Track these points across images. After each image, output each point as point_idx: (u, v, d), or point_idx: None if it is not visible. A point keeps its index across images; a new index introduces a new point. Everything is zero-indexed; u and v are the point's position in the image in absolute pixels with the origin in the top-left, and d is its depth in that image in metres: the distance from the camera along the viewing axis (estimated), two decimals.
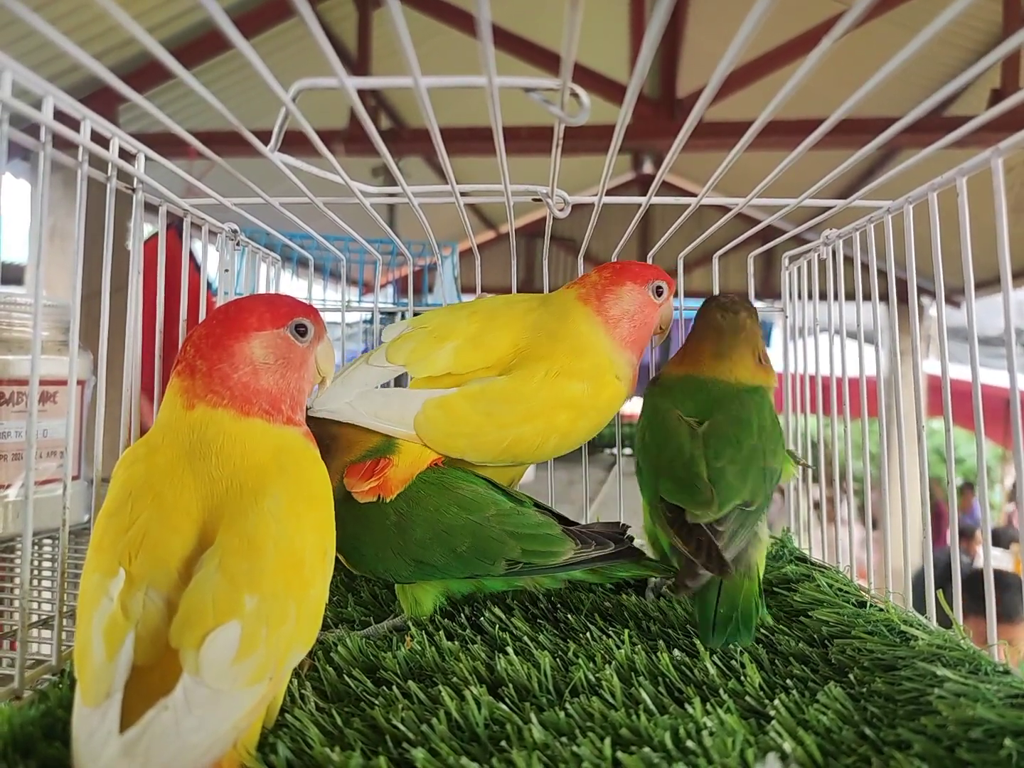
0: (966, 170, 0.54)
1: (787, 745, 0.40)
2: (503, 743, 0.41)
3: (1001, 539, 3.96)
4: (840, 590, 0.65)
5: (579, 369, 0.67)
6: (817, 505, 0.87)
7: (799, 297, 0.87)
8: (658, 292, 0.72)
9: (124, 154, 0.57)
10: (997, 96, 2.41)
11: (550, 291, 0.94)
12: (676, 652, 0.52)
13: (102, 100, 2.45)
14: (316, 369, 0.53)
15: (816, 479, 0.84)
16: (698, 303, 0.98)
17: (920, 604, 0.61)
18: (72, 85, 2.50)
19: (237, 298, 0.51)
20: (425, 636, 0.56)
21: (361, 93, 0.45)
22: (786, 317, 0.91)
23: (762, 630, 0.58)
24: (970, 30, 2.90)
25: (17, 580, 0.73)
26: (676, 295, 0.83)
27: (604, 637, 0.56)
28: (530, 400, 0.65)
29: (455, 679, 0.49)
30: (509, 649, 0.52)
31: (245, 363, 0.47)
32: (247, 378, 0.47)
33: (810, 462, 0.85)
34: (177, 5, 2.48)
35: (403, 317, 0.97)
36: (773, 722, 0.42)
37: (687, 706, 0.44)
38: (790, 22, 2.59)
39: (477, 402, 0.64)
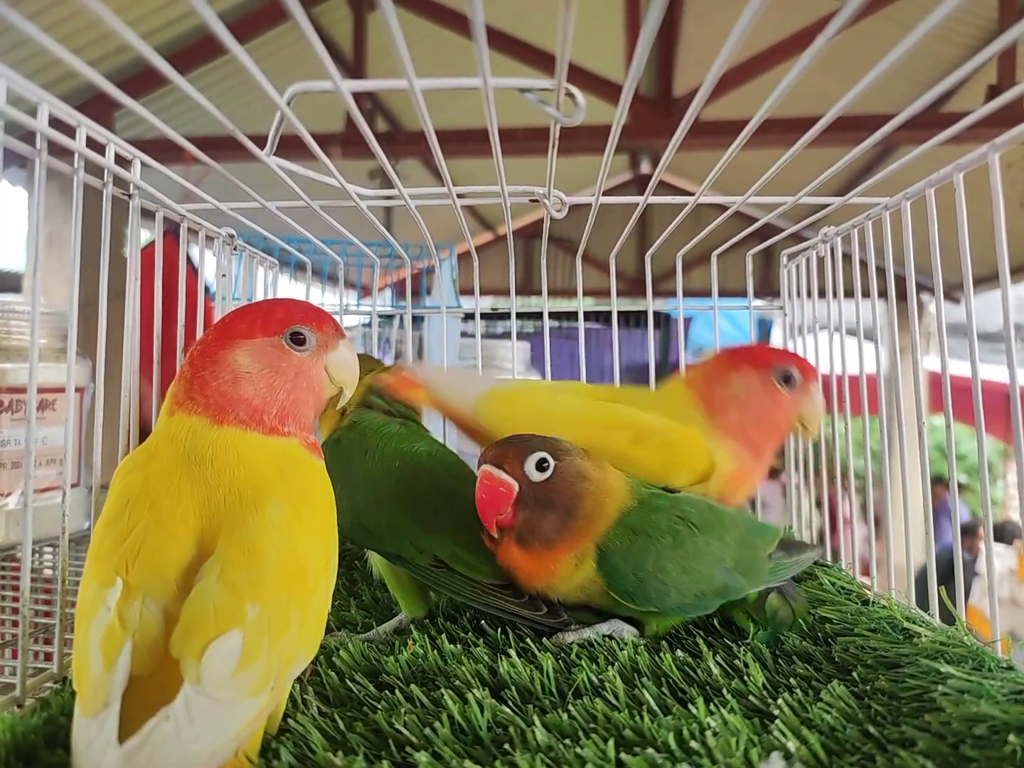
0: (963, 166, 0.54)
1: (791, 744, 0.40)
2: (506, 746, 0.41)
3: (1004, 535, 3.95)
4: (843, 588, 0.65)
5: (653, 402, 0.65)
6: (819, 503, 0.87)
7: (798, 295, 0.87)
8: (786, 380, 0.63)
9: (120, 160, 0.57)
10: (994, 92, 2.42)
11: (548, 291, 0.94)
12: (679, 653, 0.52)
13: (98, 107, 2.45)
14: (328, 378, 0.50)
15: (817, 477, 0.84)
16: (698, 302, 0.99)
17: (924, 601, 0.61)
18: (68, 92, 2.50)
19: (243, 305, 0.50)
20: (427, 639, 0.56)
21: (357, 96, 0.45)
22: (785, 315, 0.91)
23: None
24: (967, 26, 2.90)
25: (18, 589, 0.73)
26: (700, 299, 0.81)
27: (607, 639, 0.56)
28: (589, 410, 0.64)
29: (458, 682, 0.49)
30: (512, 651, 0.52)
31: (226, 371, 0.46)
32: (226, 387, 0.45)
33: (811, 460, 0.85)
34: (172, 11, 2.49)
35: (401, 320, 0.97)
36: (777, 721, 0.42)
37: (690, 706, 0.44)
38: (786, 20, 2.59)
39: (539, 396, 0.64)
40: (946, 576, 0.58)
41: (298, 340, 0.48)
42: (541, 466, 0.55)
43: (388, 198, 0.66)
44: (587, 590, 0.55)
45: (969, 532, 4.00)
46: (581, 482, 0.55)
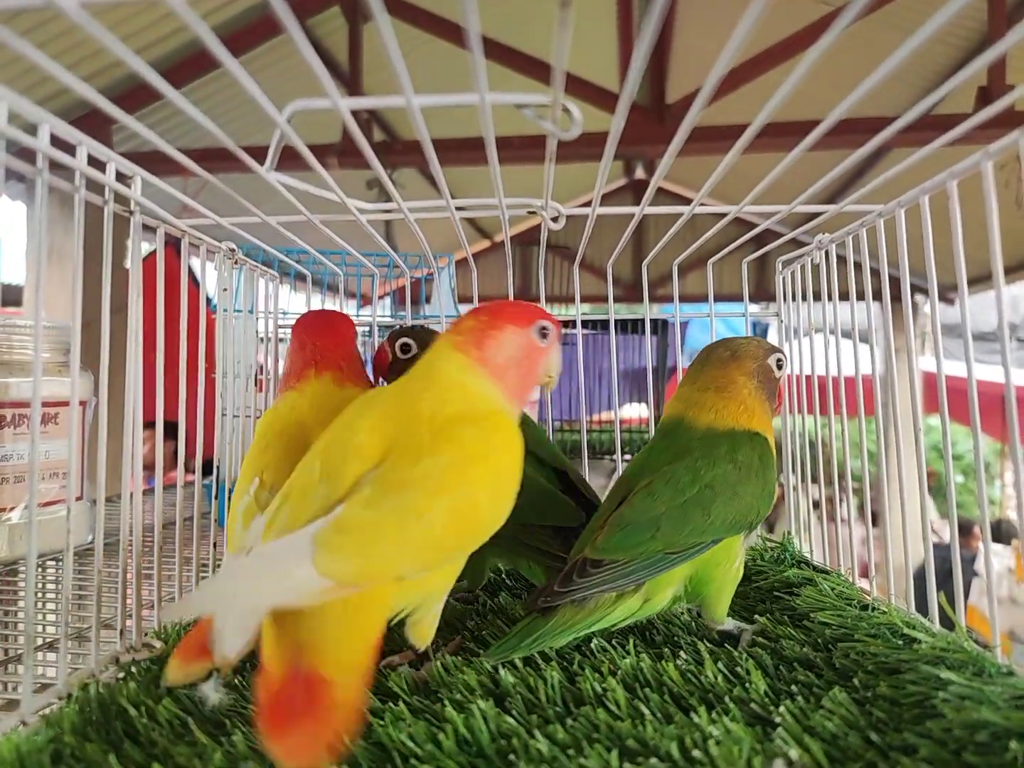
0: (956, 173, 0.55)
1: (793, 752, 0.40)
2: (511, 756, 0.41)
3: (1001, 535, 3.96)
4: (842, 593, 0.66)
5: None
6: (817, 505, 0.87)
7: (793, 300, 0.88)
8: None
9: (120, 176, 0.58)
10: (984, 93, 2.43)
11: (547, 299, 0.95)
12: (680, 660, 0.53)
13: (96, 120, 2.45)
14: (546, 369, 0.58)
15: (815, 479, 0.84)
16: (695, 308, 0.99)
17: (923, 605, 0.61)
18: (67, 105, 2.51)
19: (496, 302, 0.59)
20: (430, 650, 0.56)
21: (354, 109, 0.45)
22: (781, 321, 0.91)
23: (765, 636, 0.58)
24: (960, 28, 2.92)
25: (22, 603, 0.73)
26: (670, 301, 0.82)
27: (609, 647, 0.56)
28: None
29: (460, 695, 0.49)
30: (516, 660, 0.52)
31: (507, 347, 0.54)
32: (501, 359, 0.54)
33: (808, 462, 0.85)
34: (168, 24, 2.49)
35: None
36: (779, 729, 0.43)
37: (692, 715, 0.44)
38: (779, 25, 2.60)
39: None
40: (945, 576, 0.58)
41: (544, 334, 0.57)
42: None
43: (387, 211, 0.67)
44: None
45: (964, 531, 4.00)
46: None
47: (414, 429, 0.48)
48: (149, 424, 0.65)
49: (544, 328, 0.56)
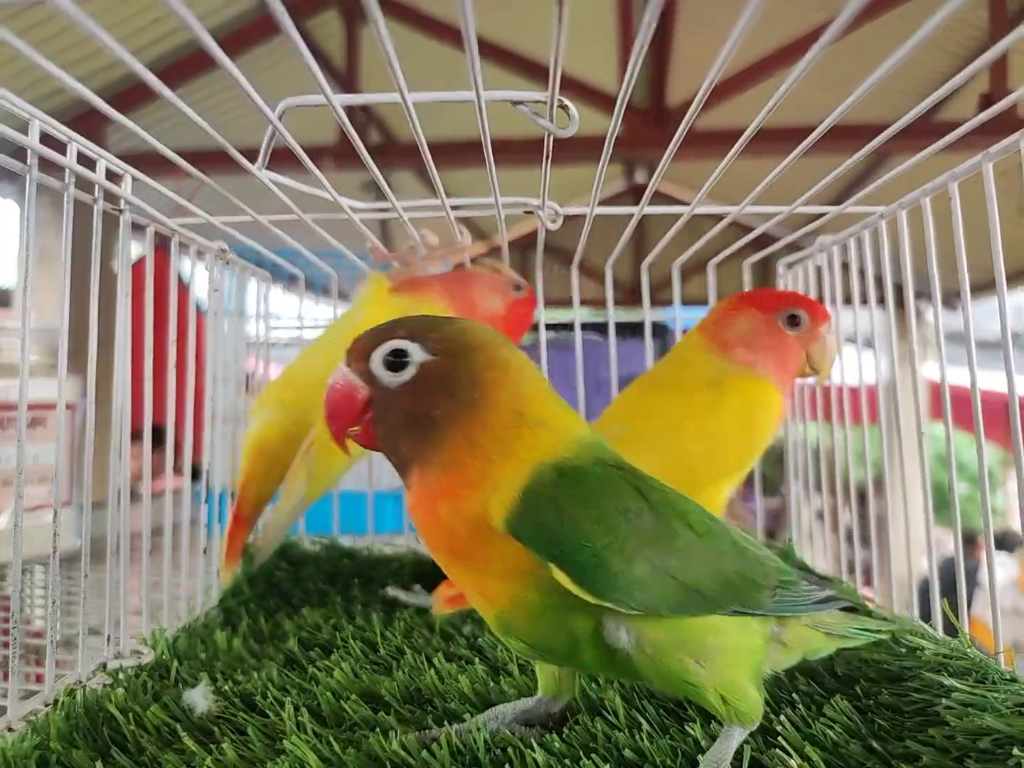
0: (958, 175, 0.54)
1: (794, 762, 0.39)
2: (506, 766, 0.40)
3: (1005, 544, 3.93)
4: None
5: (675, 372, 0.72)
6: (820, 515, 0.86)
7: None
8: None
9: (111, 175, 0.57)
10: (986, 100, 2.43)
11: (544, 301, 0.94)
12: None
13: (91, 120, 2.44)
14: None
15: (819, 488, 0.83)
16: (696, 311, 0.98)
17: (926, 612, 0.60)
18: (62, 105, 2.50)
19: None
20: (424, 659, 0.55)
21: (350, 108, 0.44)
22: None
23: None
24: (958, 35, 2.92)
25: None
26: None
27: None
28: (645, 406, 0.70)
29: (454, 703, 0.48)
30: (512, 668, 0.51)
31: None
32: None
33: (810, 470, 0.84)
34: (165, 24, 2.49)
35: None
36: (780, 738, 0.42)
37: (690, 726, 0.43)
38: (779, 30, 2.61)
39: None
40: (948, 586, 0.57)
41: (793, 322, 0.63)
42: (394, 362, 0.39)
43: (382, 211, 0.66)
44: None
45: (969, 541, 3.96)
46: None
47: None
48: (136, 434, 0.63)
49: (794, 316, 0.62)
